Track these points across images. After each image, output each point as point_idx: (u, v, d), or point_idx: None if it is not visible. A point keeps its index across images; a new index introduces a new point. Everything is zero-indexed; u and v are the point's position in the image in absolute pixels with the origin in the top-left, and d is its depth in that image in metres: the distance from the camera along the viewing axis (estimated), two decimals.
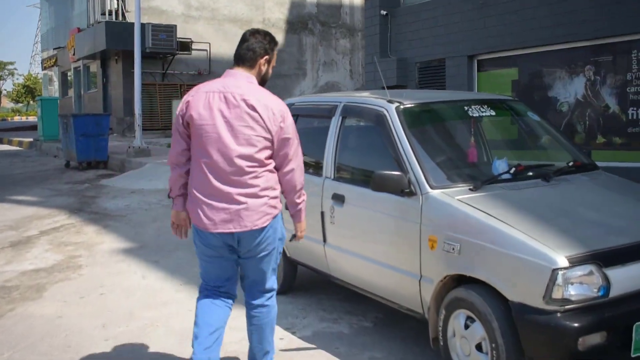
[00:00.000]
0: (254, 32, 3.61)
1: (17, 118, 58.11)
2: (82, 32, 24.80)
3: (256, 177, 3.44)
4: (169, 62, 23.67)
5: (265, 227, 3.48)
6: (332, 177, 4.67)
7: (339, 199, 4.49)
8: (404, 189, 3.88)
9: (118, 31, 21.61)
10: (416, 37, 12.27)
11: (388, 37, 12.96)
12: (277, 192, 3.56)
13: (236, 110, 3.38)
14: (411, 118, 4.27)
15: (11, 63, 71.09)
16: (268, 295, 3.74)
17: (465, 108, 4.43)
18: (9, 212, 10.10)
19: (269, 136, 3.42)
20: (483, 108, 4.45)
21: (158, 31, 22.08)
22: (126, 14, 23.04)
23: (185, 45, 23.48)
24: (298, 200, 3.67)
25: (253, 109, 3.39)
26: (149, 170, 13.41)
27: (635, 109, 8.68)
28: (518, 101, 4.95)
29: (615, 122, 8.99)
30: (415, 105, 4.40)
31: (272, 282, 3.74)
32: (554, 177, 4.04)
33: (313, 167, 4.87)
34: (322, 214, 4.64)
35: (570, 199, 3.85)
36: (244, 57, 3.54)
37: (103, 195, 11.62)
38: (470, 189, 3.81)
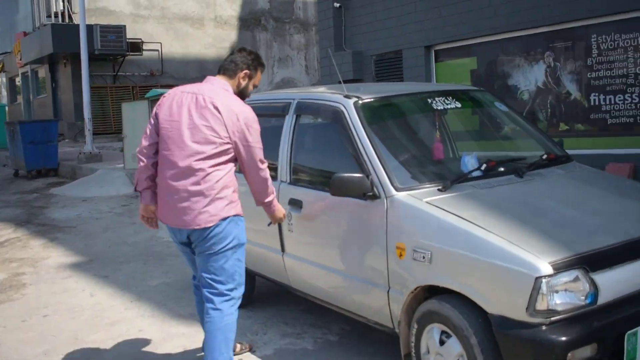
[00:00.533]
0: (241, 49, 3.82)
1: None
2: (27, 36, 23.94)
3: (207, 175, 3.47)
4: (120, 64, 22.99)
5: (210, 227, 3.49)
6: (288, 180, 4.30)
7: (296, 204, 4.13)
8: (366, 192, 3.54)
9: (65, 34, 20.78)
10: (371, 29, 11.95)
11: (342, 30, 12.62)
12: (228, 194, 3.54)
13: (202, 111, 3.50)
14: (371, 114, 3.93)
15: None
16: (222, 298, 3.61)
17: (429, 101, 4.09)
18: None
19: (228, 139, 3.49)
20: (447, 100, 4.12)
21: (107, 32, 21.39)
22: (73, 16, 22.24)
23: (136, 46, 22.83)
24: (266, 200, 3.76)
25: (217, 110, 3.49)
26: (100, 177, 12.87)
27: (596, 94, 8.50)
28: (484, 91, 4.64)
29: (577, 108, 8.80)
30: (374, 99, 4.05)
31: (227, 287, 3.62)
32: (527, 172, 3.74)
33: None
34: None
35: (547, 196, 3.54)
36: (226, 67, 3.75)
37: (52, 205, 11.07)
38: (439, 190, 3.49)
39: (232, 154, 3.54)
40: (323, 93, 4.31)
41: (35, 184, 14.02)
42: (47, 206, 11.04)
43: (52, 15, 22.33)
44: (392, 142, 3.92)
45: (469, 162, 3.77)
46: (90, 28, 21.15)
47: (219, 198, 3.49)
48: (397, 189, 3.50)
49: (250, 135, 3.52)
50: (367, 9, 12.02)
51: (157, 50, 23.61)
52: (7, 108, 24.39)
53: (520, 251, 2.89)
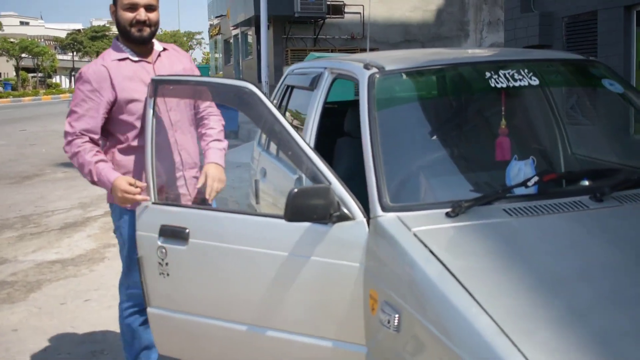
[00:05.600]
0: None
1: None
2: None
3: None
4: (320, 27, 22.69)
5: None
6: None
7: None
8: (332, 213, 2.29)
9: None
10: None
11: None
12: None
13: None
14: (391, 92, 2.73)
15: (199, 33, 74.15)
16: None
17: (487, 74, 2.74)
18: None
19: None
20: (520, 74, 2.74)
21: None
22: None
23: (338, 9, 22.39)
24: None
25: None
26: None
27: None
28: (592, 61, 3.10)
29: None
30: (402, 71, 2.81)
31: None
32: (612, 194, 2.32)
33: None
34: None
35: (625, 243, 2.13)
36: None
37: None
38: (447, 214, 2.24)
39: None
40: (347, 61, 3.14)
41: None
42: None
43: None
44: (407, 137, 2.68)
45: (520, 171, 2.45)
46: None
47: None
48: (384, 208, 2.31)
49: None
50: None
51: (359, 13, 22.93)
52: (210, 69, 25.18)
53: (510, 352, 1.62)
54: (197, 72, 3.21)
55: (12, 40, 51.20)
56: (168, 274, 2.67)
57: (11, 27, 65.40)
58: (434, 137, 2.76)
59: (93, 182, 2.89)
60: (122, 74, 2.92)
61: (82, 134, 2.89)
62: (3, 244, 6.59)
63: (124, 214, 3.00)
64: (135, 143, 2.96)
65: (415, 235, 2.14)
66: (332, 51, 22.46)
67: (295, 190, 2.23)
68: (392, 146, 2.51)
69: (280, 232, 2.39)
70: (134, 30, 2.91)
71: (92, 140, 2.92)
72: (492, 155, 2.66)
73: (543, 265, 1.96)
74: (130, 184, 2.76)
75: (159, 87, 2.70)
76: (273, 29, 22.77)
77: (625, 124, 3.02)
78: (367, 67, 2.81)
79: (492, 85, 2.71)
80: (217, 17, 30.45)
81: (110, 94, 2.90)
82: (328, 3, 21.54)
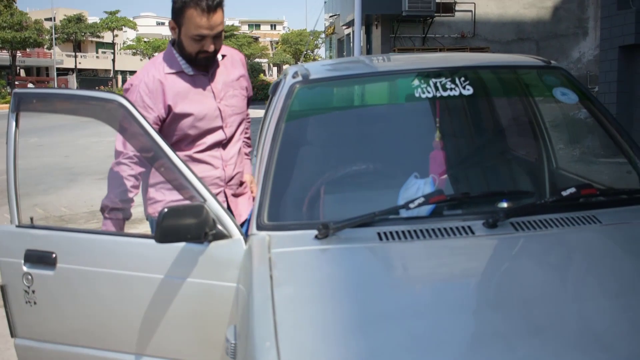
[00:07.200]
0: None
1: None
2: None
3: None
4: (429, 25, 22.28)
5: None
6: None
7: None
8: (208, 231, 2.17)
9: None
10: None
11: None
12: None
13: None
14: (308, 103, 2.59)
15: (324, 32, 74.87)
16: None
17: (415, 83, 2.53)
18: None
19: None
20: (455, 82, 2.49)
21: None
22: None
23: (448, 7, 21.91)
24: None
25: None
26: None
27: None
28: (545, 67, 2.69)
29: None
30: (326, 80, 2.65)
31: None
32: (508, 220, 2.05)
33: None
34: None
35: (491, 283, 1.86)
36: None
37: None
38: (316, 237, 2.08)
39: None
40: (293, 69, 3.00)
41: None
42: None
43: None
44: (310, 152, 2.52)
45: (418, 190, 2.23)
46: None
47: None
48: (259, 226, 2.19)
49: None
50: None
51: (470, 10, 22.31)
52: None
53: None
54: (248, 79, 2.95)
55: (145, 39, 54.09)
56: (35, 302, 2.53)
57: (148, 27, 69.03)
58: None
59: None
60: (175, 90, 2.68)
61: (133, 157, 2.69)
62: None
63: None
64: (189, 153, 2.75)
65: (269, 257, 2.01)
66: (440, 50, 22.01)
67: (166, 209, 2.14)
68: (289, 161, 2.38)
69: (154, 253, 2.29)
70: (200, 57, 2.65)
71: (139, 161, 2.71)
72: (405, 172, 2.44)
73: (376, 299, 1.77)
74: None
75: (21, 101, 2.51)
76: (381, 28, 22.67)
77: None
78: (294, 75, 2.68)
79: (418, 95, 2.49)
80: (331, 16, 30.66)
81: (163, 111, 2.67)
82: (437, 1, 21.09)
